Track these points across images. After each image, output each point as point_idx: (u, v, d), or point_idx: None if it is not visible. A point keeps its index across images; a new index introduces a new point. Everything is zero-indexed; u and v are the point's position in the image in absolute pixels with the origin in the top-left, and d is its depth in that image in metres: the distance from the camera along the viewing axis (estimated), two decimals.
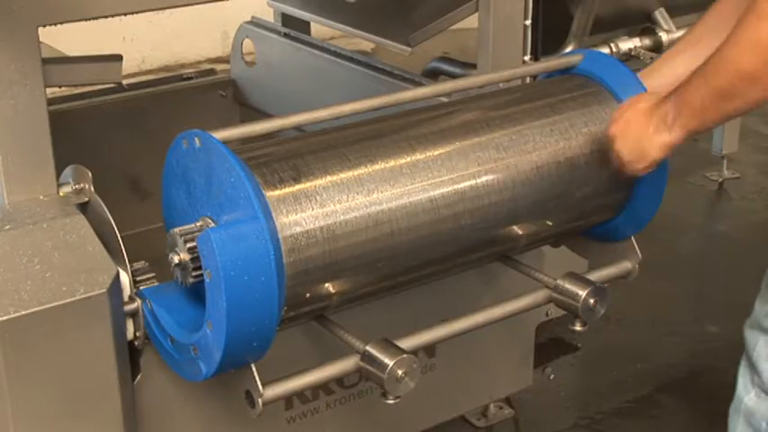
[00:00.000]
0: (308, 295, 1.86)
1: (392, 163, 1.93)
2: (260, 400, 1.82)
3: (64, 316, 1.75)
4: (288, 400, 2.19)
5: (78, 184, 1.94)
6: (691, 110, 1.81)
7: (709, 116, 1.81)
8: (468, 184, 1.99)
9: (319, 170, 1.86)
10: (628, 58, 3.08)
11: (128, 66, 3.59)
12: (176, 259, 1.80)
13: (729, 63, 1.71)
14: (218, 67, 4.32)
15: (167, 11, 4.93)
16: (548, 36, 2.84)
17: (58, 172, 1.93)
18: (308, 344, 2.11)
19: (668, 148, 1.88)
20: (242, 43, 3.26)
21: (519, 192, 2.04)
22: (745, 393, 1.93)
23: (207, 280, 1.72)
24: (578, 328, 2.12)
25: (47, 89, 1.89)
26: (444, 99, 2.33)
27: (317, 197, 1.83)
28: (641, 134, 1.91)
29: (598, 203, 2.19)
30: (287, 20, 3.20)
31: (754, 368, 1.92)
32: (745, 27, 1.68)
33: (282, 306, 1.80)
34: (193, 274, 1.79)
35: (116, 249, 1.85)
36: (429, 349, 2.35)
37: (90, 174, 1.92)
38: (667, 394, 3.00)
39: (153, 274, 1.93)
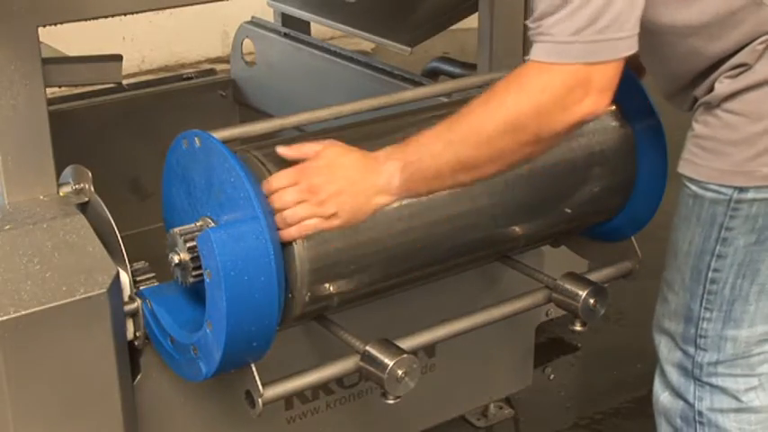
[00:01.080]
0: (327, 290, 1.86)
1: None
2: (260, 400, 1.82)
3: (64, 316, 1.75)
4: (288, 400, 2.19)
5: (78, 184, 1.93)
6: (423, 177, 1.70)
7: (442, 184, 1.72)
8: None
9: None
10: None
11: (128, 66, 3.59)
12: (176, 259, 1.80)
13: (482, 137, 1.64)
14: (218, 67, 4.32)
15: (167, 11, 4.94)
16: None
17: (58, 172, 1.93)
18: (308, 344, 2.11)
19: (381, 208, 1.76)
20: (242, 43, 3.26)
21: (518, 191, 2.04)
22: (661, 392, 1.97)
23: (207, 280, 1.72)
24: (578, 328, 2.13)
25: (47, 89, 1.89)
26: (444, 99, 2.33)
27: None
28: (360, 190, 1.73)
29: (597, 203, 2.19)
30: (287, 20, 3.20)
31: (662, 368, 1.96)
32: (503, 99, 1.64)
33: (282, 306, 1.80)
34: (193, 273, 1.79)
35: (116, 249, 1.85)
36: (429, 349, 2.34)
37: (90, 174, 1.92)
38: None
39: (153, 274, 1.93)
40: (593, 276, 2.18)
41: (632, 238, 2.26)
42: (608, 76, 1.61)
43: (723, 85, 1.72)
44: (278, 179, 1.75)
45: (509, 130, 1.63)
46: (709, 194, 1.76)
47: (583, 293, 2.07)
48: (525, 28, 2.28)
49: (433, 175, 1.70)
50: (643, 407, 2.93)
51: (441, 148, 1.68)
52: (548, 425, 2.90)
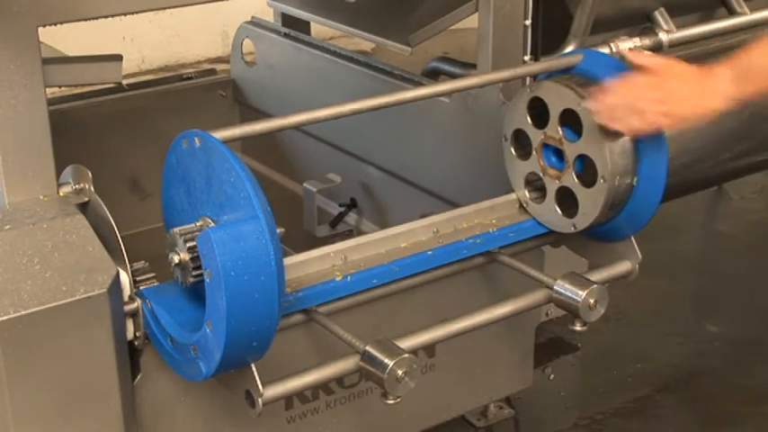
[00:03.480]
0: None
1: None
2: (260, 400, 1.82)
3: (64, 316, 1.75)
4: (288, 400, 2.19)
5: (78, 184, 1.94)
6: (745, 78, 1.86)
7: (760, 82, 1.86)
8: None
9: None
10: None
11: (128, 66, 3.60)
12: (176, 259, 1.80)
13: None
14: (218, 67, 4.32)
15: (167, 11, 4.95)
16: (548, 36, 2.83)
17: (58, 172, 1.93)
18: (308, 344, 2.11)
19: (728, 100, 1.89)
20: (242, 43, 3.27)
21: None
22: None
23: (207, 280, 1.72)
24: (578, 328, 2.12)
25: (47, 89, 1.89)
26: (444, 99, 2.33)
27: None
28: (702, 80, 1.90)
29: None
30: (287, 20, 3.20)
31: None
32: None
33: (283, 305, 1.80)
34: (193, 273, 1.79)
35: (116, 249, 1.85)
36: (429, 349, 2.34)
37: (90, 174, 1.92)
38: (667, 394, 3.00)
39: (153, 274, 1.93)
40: (593, 276, 2.18)
41: (632, 238, 2.26)
42: None
43: None
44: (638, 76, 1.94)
45: None
46: None
47: (583, 293, 2.07)
48: (525, 28, 2.28)
49: (750, 75, 1.86)
50: (643, 407, 2.94)
51: (758, 49, 1.86)
52: (548, 425, 2.90)
